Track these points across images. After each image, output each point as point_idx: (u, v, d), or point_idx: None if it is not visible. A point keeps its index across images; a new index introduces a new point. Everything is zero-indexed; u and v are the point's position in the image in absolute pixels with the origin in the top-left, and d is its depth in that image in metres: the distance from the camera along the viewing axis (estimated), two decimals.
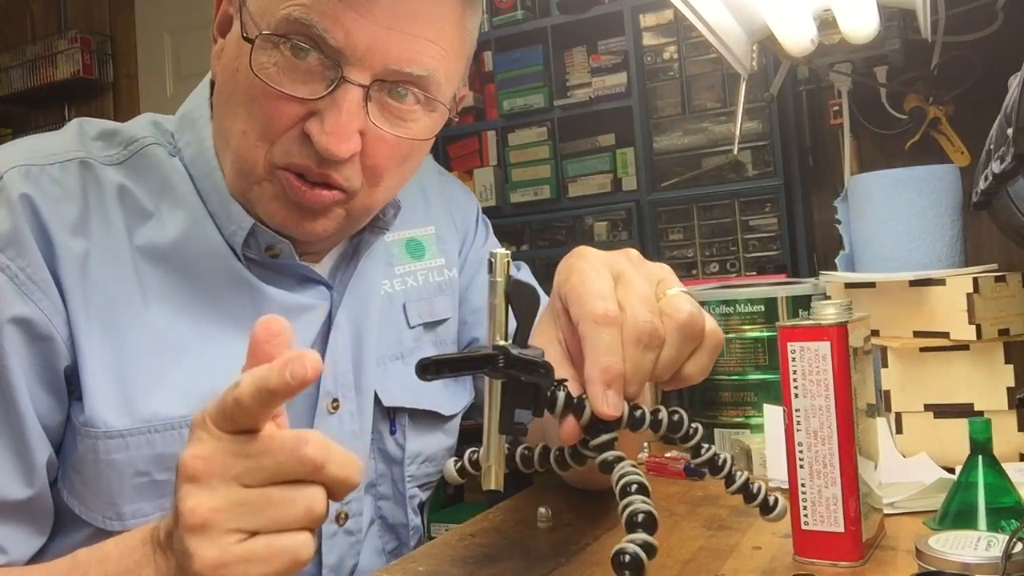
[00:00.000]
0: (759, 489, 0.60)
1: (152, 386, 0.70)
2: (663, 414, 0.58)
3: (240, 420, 0.50)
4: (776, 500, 0.60)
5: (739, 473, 0.60)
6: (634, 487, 0.52)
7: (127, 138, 0.76)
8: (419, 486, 0.87)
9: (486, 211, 2.39)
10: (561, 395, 0.55)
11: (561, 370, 0.57)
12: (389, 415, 0.84)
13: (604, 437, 0.56)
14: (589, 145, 2.33)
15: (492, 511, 0.89)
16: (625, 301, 0.56)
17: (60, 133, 0.77)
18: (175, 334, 0.71)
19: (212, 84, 0.78)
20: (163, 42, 3.36)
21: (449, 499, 2.61)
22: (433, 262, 0.90)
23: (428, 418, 0.86)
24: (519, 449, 0.62)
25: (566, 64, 2.38)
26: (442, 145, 2.51)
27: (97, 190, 0.72)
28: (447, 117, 0.74)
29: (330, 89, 0.66)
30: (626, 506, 0.52)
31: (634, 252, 0.61)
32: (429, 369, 0.53)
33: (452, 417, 0.89)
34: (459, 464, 0.61)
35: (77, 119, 0.78)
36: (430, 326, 0.88)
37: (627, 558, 0.49)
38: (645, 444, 1.12)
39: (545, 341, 0.59)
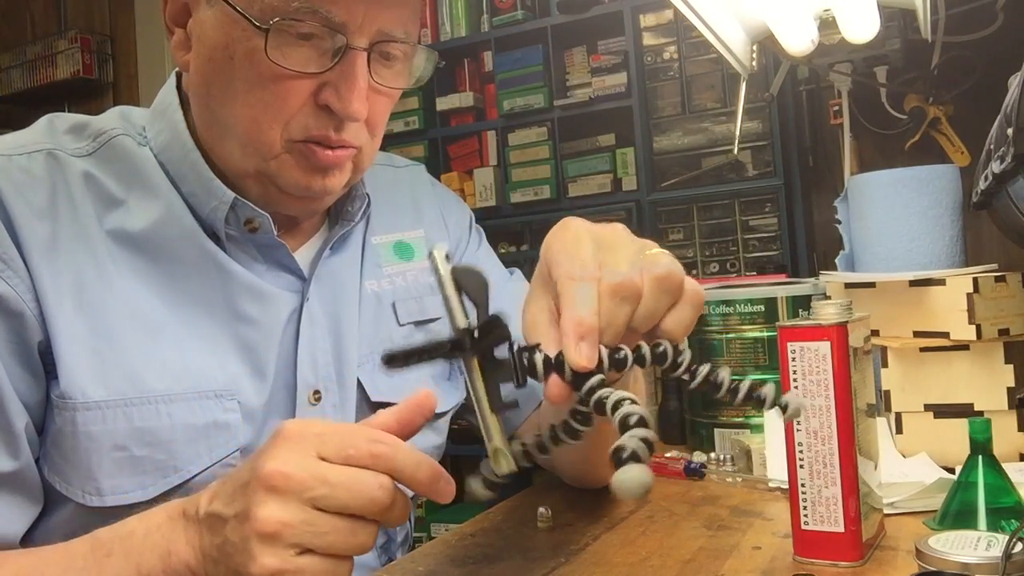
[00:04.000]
0: (767, 394, 0.56)
1: (128, 360, 0.71)
2: (645, 349, 0.57)
3: (356, 462, 0.55)
4: (787, 401, 0.56)
5: (742, 384, 0.56)
6: (626, 401, 0.52)
7: (96, 131, 0.79)
8: None
9: (486, 211, 2.40)
10: (539, 356, 0.56)
11: (549, 334, 0.57)
12: (378, 411, 0.84)
13: (592, 381, 0.55)
14: (589, 145, 2.33)
15: (492, 511, 0.89)
16: (604, 260, 0.58)
17: (30, 128, 0.79)
18: (148, 313, 0.73)
19: (178, 75, 0.82)
20: (163, 42, 3.36)
21: None
22: (422, 263, 0.91)
23: None
24: (531, 441, 0.61)
25: (566, 64, 2.38)
26: (442, 145, 2.51)
27: (64, 178, 0.74)
28: (435, 57, 0.82)
29: (337, 59, 0.72)
30: (621, 415, 0.51)
31: (620, 225, 0.62)
32: (395, 360, 0.54)
33: (441, 416, 0.90)
34: (478, 478, 0.59)
35: (48, 115, 0.80)
36: (420, 324, 0.89)
37: (626, 452, 0.48)
38: None
39: (536, 309, 0.60)
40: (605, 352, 0.56)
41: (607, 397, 0.54)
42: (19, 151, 0.74)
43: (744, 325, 1.07)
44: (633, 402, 0.52)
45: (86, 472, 0.70)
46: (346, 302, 0.84)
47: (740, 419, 1.07)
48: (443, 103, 2.47)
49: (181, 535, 0.58)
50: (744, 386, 0.56)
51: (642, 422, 0.50)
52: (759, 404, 0.56)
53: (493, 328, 0.55)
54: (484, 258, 0.99)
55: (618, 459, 0.48)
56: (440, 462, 0.94)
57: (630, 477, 0.47)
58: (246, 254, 0.79)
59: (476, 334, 0.55)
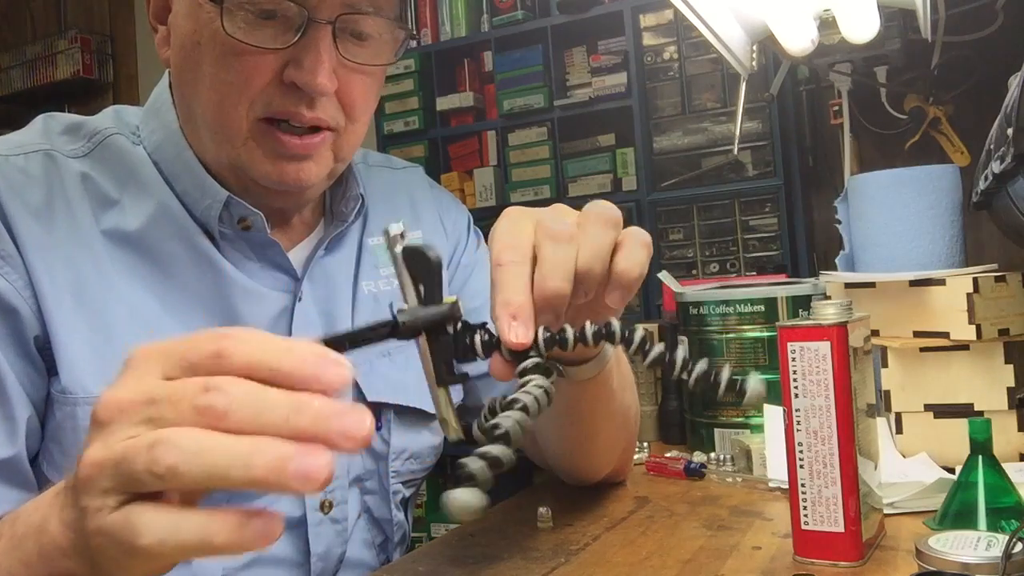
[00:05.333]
0: (724, 377, 0.55)
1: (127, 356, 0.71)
2: (589, 328, 0.58)
3: (202, 370, 0.41)
4: (747, 382, 0.55)
5: (698, 365, 0.56)
6: (515, 403, 0.52)
7: (90, 131, 0.79)
8: (403, 482, 0.88)
9: (486, 211, 2.40)
10: (478, 337, 0.57)
11: None
12: (375, 411, 0.85)
13: (528, 363, 0.57)
14: (589, 145, 2.33)
15: (492, 511, 0.89)
16: (539, 227, 0.59)
17: (27, 128, 0.79)
18: (145, 311, 0.74)
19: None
20: None
21: None
22: None
23: (414, 415, 0.86)
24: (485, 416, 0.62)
25: (566, 64, 2.38)
26: (442, 145, 2.51)
27: (60, 179, 0.75)
28: (405, 36, 0.78)
29: (301, 33, 0.71)
30: (491, 423, 0.51)
31: (561, 205, 0.65)
32: (328, 346, 0.54)
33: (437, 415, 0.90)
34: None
35: (43, 115, 0.81)
36: None
37: (463, 471, 0.46)
38: (645, 444, 1.12)
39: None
40: (542, 332, 0.57)
41: (526, 384, 0.55)
42: (16, 151, 0.75)
43: (744, 325, 1.07)
44: (525, 408, 0.52)
45: None
46: (340, 302, 0.84)
47: (740, 419, 1.07)
48: (443, 103, 2.47)
49: (57, 509, 0.46)
50: (699, 367, 0.56)
51: (504, 437, 0.49)
52: (715, 388, 0.56)
53: (438, 308, 0.56)
54: (483, 259, 0.99)
55: (455, 476, 0.46)
56: (438, 462, 0.94)
57: (454, 500, 0.45)
58: (239, 253, 0.79)
59: (415, 315, 0.56)
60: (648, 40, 2.20)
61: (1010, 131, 0.89)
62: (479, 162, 2.47)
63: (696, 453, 1.05)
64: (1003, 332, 0.92)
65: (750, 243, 2.08)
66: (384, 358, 0.86)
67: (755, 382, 0.56)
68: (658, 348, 0.57)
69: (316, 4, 0.71)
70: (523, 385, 0.55)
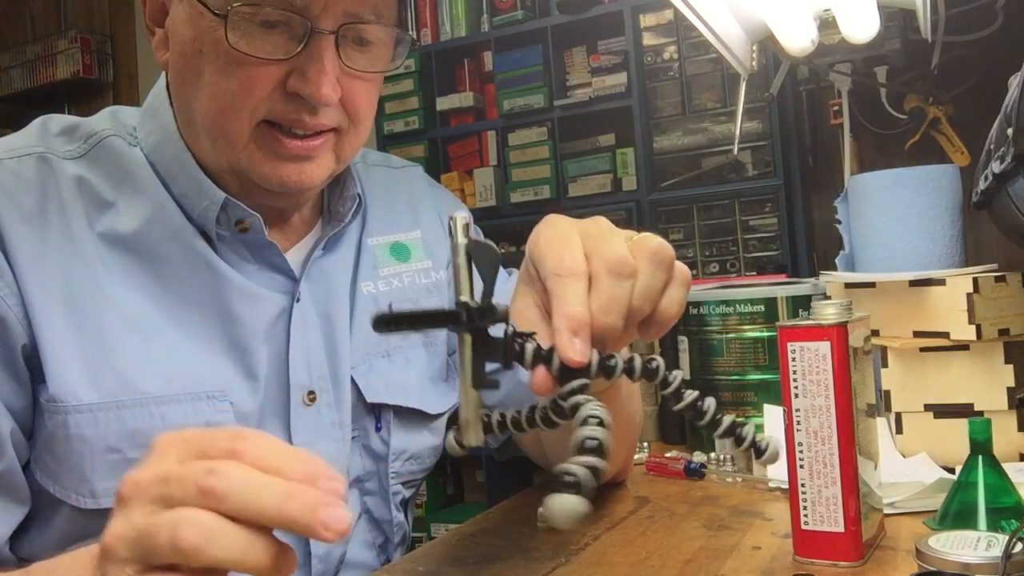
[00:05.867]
0: (747, 433, 0.59)
1: (119, 362, 0.71)
2: (638, 361, 0.58)
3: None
4: (767, 443, 0.58)
5: (725, 418, 0.59)
6: (595, 419, 0.52)
7: (87, 132, 0.79)
8: (403, 483, 0.88)
9: (486, 211, 2.40)
10: (529, 346, 0.57)
11: (539, 331, 0.58)
12: (374, 412, 0.85)
13: (575, 383, 0.56)
14: (589, 145, 2.33)
15: (492, 511, 0.89)
16: (594, 248, 0.58)
17: (24, 131, 0.79)
18: (140, 315, 0.73)
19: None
20: None
21: (449, 499, 2.61)
22: (419, 264, 0.91)
23: (414, 416, 0.86)
24: (496, 414, 0.62)
25: (566, 64, 2.38)
26: (442, 145, 2.51)
27: (55, 182, 0.74)
28: (408, 40, 0.79)
29: (303, 44, 0.71)
30: (582, 435, 0.51)
31: (602, 218, 0.64)
32: (386, 322, 0.54)
33: (438, 416, 0.90)
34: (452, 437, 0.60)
35: (42, 117, 0.80)
36: None
37: (571, 478, 0.47)
38: (645, 444, 1.12)
39: (523, 305, 0.62)
40: (596, 356, 0.56)
41: (582, 405, 0.54)
42: (9, 155, 0.74)
43: (744, 325, 1.07)
44: (601, 423, 0.51)
45: (79, 475, 0.70)
46: (338, 303, 0.84)
47: (740, 419, 1.07)
48: (443, 103, 2.47)
49: (91, 573, 0.49)
50: (726, 420, 0.59)
51: (599, 449, 0.49)
52: (737, 441, 0.59)
53: (492, 308, 0.55)
54: None
55: (559, 482, 0.47)
56: (438, 463, 0.94)
57: (561, 505, 0.46)
58: (237, 254, 0.79)
59: (474, 310, 0.55)
60: (648, 40, 2.20)
61: (1010, 131, 0.89)
62: (479, 162, 2.47)
63: (696, 453, 1.05)
64: (1003, 332, 0.92)
65: (750, 243, 2.08)
66: (384, 359, 0.86)
67: (775, 443, 0.59)
68: (692, 394, 0.58)
69: (319, 14, 0.70)
70: (571, 404, 0.54)
